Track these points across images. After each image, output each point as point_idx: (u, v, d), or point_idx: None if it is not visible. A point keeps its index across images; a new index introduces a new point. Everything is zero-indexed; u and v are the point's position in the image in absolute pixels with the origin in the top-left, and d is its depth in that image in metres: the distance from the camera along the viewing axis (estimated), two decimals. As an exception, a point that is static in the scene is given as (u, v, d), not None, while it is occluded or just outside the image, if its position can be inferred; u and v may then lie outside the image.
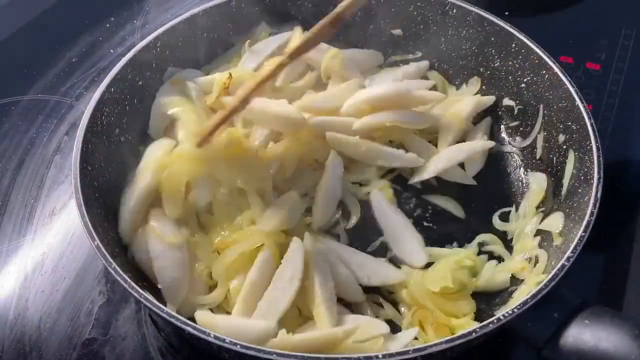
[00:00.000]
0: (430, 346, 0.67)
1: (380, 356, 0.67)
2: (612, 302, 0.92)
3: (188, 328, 0.69)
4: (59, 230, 1.02)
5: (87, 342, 0.88)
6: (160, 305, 0.72)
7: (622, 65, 1.25)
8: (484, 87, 1.12)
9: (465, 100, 1.08)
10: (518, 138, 1.08)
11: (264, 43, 1.12)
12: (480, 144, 1.04)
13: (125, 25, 1.36)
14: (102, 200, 0.90)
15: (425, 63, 1.16)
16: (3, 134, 1.17)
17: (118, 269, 0.75)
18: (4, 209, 1.05)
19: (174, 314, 0.71)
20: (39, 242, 1.01)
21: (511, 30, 1.04)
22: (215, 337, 0.68)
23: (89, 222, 0.79)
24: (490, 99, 1.10)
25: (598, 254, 0.97)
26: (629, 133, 1.14)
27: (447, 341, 0.68)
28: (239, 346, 0.67)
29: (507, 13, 1.33)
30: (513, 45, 1.04)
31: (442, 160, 1.01)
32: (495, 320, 0.70)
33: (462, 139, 1.07)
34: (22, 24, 1.36)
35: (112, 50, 1.28)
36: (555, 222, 0.91)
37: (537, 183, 1.00)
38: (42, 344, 0.88)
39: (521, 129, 1.07)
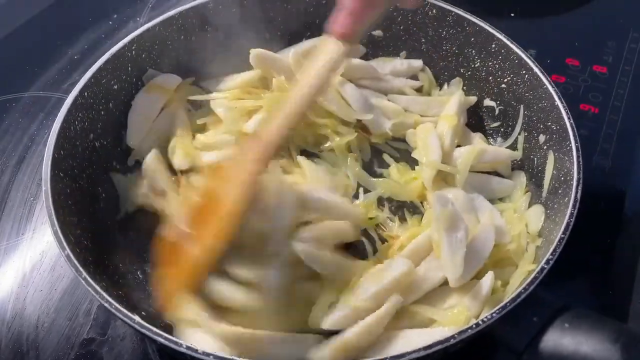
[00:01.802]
0: (409, 353, 0.66)
1: (357, 364, 0.66)
2: (619, 308, 0.91)
3: (159, 339, 0.67)
4: None
5: (85, 342, 0.87)
6: (132, 316, 0.70)
7: (629, 68, 1.24)
8: (464, 88, 1.11)
9: (450, 100, 1.07)
10: (499, 139, 1.07)
11: None
12: (507, 152, 1.01)
13: (128, 22, 1.35)
14: (75, 207, 0.88)
15: (418, 63, 1.14)
16: (3, 131, 1.15)
17: (89, 278, 0.73)
18: (3, 206, 1.04)
19: (146, 324, 0.69)
20: (37, 241, 0.99)
21: (491, 30, 1.03)
22: (188, 348, 0.66)
23: (59, 231, 0.77)
24: (473, 99, 1.09)
25: (606, 259, 0.97)
26: (636, 137, 1.13)
27: (424, 348, 0.66)
28: (211, 357, 0.65)
29: (512, 15, 1.32)
30: (493, 45, 1.03)
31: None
32: (473, 325, 0.69)
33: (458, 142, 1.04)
34: (24, 20, 1.35)
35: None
36: (535, 212, 0.92)
37: (517, 179, 1.00)
38: (39, 343, 0.87)
39: (502, 129, 1.07)
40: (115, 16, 1.36)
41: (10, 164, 1.10)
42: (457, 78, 1.12)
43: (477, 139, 1.05)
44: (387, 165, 1.04)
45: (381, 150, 1.06)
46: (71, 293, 0.93)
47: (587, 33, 1.31)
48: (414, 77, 1.14)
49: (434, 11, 1.09)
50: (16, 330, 0.89)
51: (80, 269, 0.74)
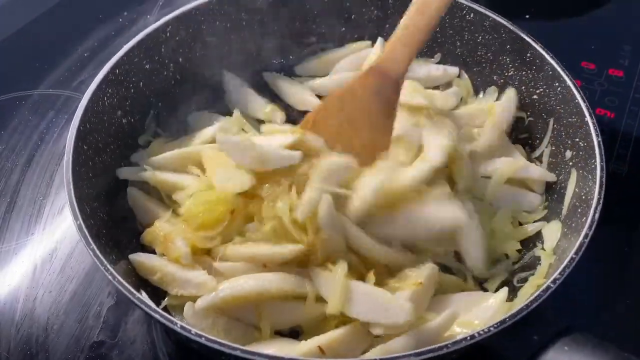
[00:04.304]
0: (398, 357, 0.66)
1: (345, 363, 0.65)
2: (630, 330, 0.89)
3: (156, 316, 0.68)
4: (68, 228, 1.00)
5: (95, 345, 0.87)
6: (133, 291, 0.72)
7: (646, 72, 1.20)
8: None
9: (497, 109, 1.03)
10: (525, 150, 1.04)
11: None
12: (542, 173, 0.97)
13: (139, 20, 1.35)
14: (95, 180, 0.90)
15: (454, 70, 1.12)
16: (13, 129, 1.15)
17: (97, 250, 0.75)
18: (13, 205, 1.03)
19: (149, 302, 0.71)
20: (47, 241, 0.99)
21: (527, 39, 1.00)
22: (182, 328, 0.67)
23: (74, 200, 0.79)
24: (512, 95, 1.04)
25: (621, 272, 0.95)
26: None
27: (415, 354, 0.66)
28: (203, 338, 0.66)
29: (527, 16, 1.29)
30: (528, 54, 1.01)
31: None
32: (468, 337, 0.67)
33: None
34: (34, 17, 1.35)
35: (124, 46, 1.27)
36: (553, 228, 0.90)
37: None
38: (49, 345, 0.87)
39: (530, 141, 1.04)
40: (125, 14, 1.36)
41: (19, 162, 1.10)
42: (493, 87, 1.10)
43: (516, 151, 1.02)
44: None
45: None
46: (81, 295, 0.92)
47: (603, 36, 1.27)
48: (449, 84, 1.13)
49: (472, 15, 1.06)
50: (25, 331, 0.88)
51: (90, 240, 0.75)
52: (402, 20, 0.91)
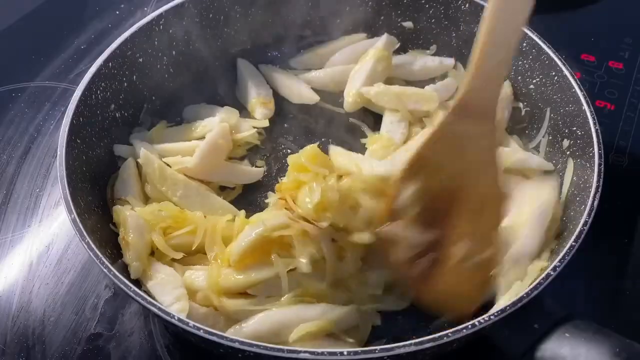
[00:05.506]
0: (398, 347, 0.65)
1: (345, 353, 0.65)
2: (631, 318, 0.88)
3: (154, 309, 0.68)
4: (65, 220, 0.98)
5: (92, 337, 0.86)
6: (130, 284, 0.71)
7: (646, 64, 1.20)
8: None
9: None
10: (523, 140, 1.04)
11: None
12: (540, 162, 0.96)
13: (136, 12, 1.33)
14: (89, 174, 0.89)
15: (450, 61, 1.12)
16: (9, 121, 1.14)
17: (92, 244, 0.74)
18: (9, 197, 1.03)
19: (141, 293, 0.70)
20: (44, 233, 0.98)
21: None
22: (180, 320, 0.67)
23: (68, 195, 0.78)
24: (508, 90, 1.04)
25: (621, 263, 0.94)
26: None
27: (416, 343, 0.65)
28: (202, 331, 0.66)
29: None
30: (524, 44, 1.00)
31: None
32: (469, 326, 0.67)
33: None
34: (31, 9, 1.34)
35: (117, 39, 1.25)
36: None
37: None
38: (45, 337, 0.86)
39: (527, 131, 1.03)
40: (122, 6, 1.35)
41: (15, 154, 1.09)
42: (488, 77, 1.09)
43: (513, 142, 1.02)
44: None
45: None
46: (78, 287, 0.92)
47: (603, 28, 1.28)
48: (444, 75, 1.13)
49: (467, 5, 1.06)
50: (22, 324, 0.88)
51: (85, 234, 0.75)
52: None
